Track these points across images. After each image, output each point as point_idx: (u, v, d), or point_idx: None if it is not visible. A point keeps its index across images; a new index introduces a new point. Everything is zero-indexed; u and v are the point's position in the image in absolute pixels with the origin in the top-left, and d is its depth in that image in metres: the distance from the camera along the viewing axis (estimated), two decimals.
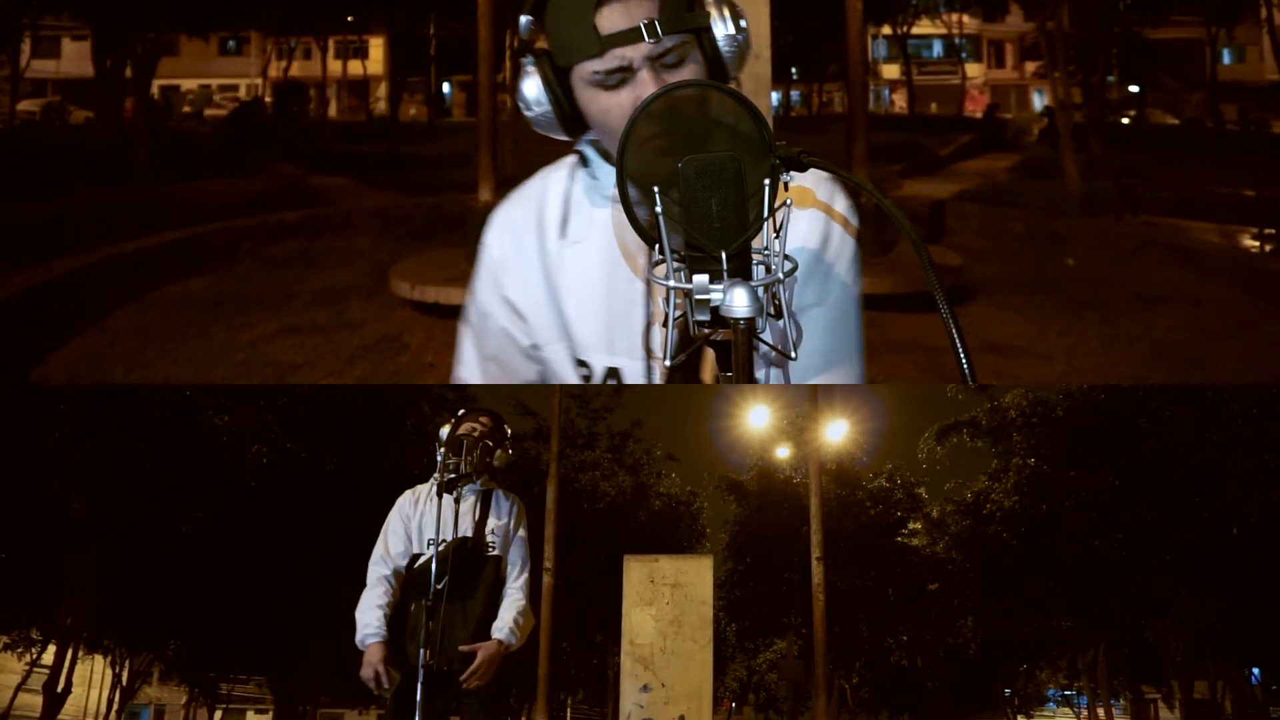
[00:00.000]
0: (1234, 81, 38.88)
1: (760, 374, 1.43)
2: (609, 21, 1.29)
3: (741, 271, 1.10)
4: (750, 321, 1.07)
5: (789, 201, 1.14)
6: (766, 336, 1.13)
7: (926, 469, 13.32)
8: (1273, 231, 12.80)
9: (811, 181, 1.46)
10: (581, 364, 1.50)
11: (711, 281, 1.09)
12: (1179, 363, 8.02)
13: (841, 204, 1.49)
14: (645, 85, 1.31)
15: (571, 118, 1.40)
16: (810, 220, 1.46)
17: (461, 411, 2.83)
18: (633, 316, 1.45)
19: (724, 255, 1.09)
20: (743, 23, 1.37)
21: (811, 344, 1.46)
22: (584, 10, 1.30)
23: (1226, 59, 42.06)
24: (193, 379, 7.78)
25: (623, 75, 1.32)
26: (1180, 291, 10.15)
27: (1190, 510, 9.70)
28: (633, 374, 1.46)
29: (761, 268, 1.13)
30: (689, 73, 1.34)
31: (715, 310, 1.09)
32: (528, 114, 1.41)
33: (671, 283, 1.11)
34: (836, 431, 12.50)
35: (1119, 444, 10.27)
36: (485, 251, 1.59)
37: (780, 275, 1.12)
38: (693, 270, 1.11)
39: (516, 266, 1.54)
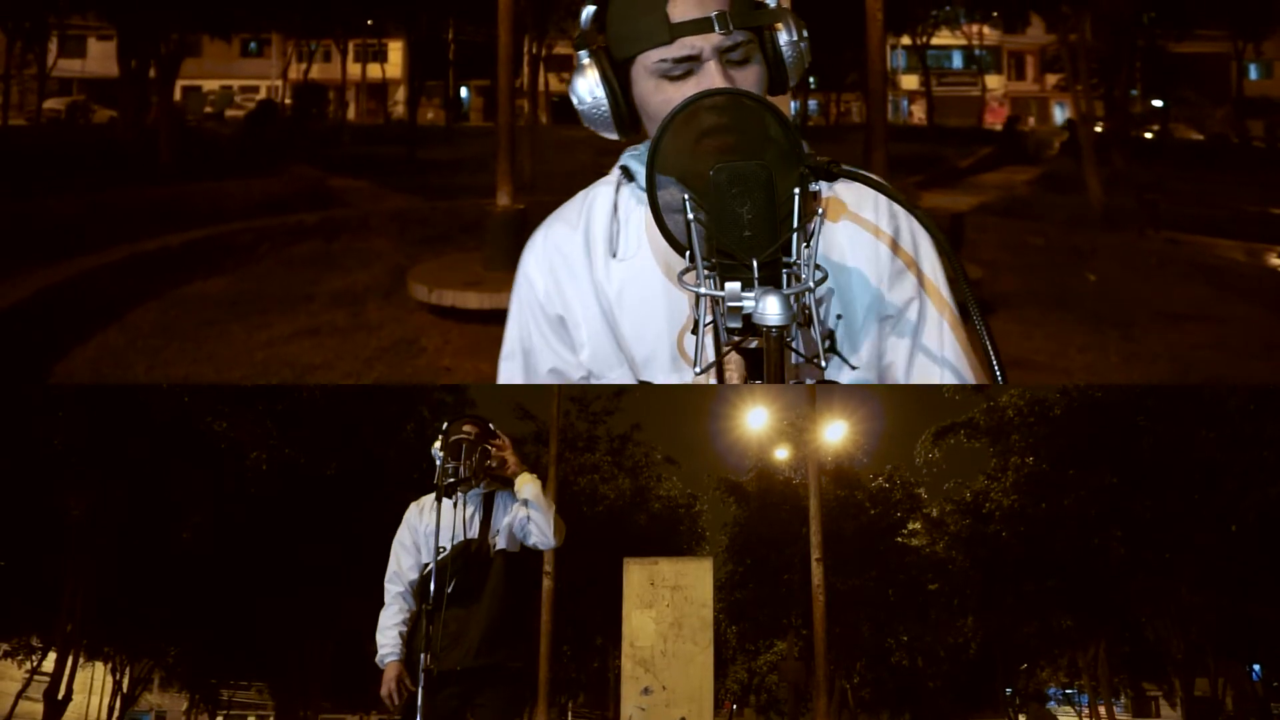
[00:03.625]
0: (1260, 97, 38.60)
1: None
2: (680, 10, 1.30)
3: (772, 280, 1.10)
4: (782, 329, 1.06)
5: (821, 211, 1.14)
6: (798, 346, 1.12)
7: (925, 470, 13.33)
8: None
9: (852, 195, 1.44)
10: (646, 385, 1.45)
11: (743, 289, 1.09)
12: (1202, 382, 7.95)
13: (894, 210, 1.46)
14: (711, 77, 1.31)
15: (626, 114, 1.38)
16: (849, 230, 1.43)
17: (446, 424, 2.81)
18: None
19: (755, 263, 1.09)
20: (805, 31, 1.40)
21: (902, 353, 1.44)
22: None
23: (1253, 74, 41.80)
24: (213, 378, 7.81)
25: (689, 66, 1.32)
26: (1204, 309, 10.06)
27: (1189, 508, 9.68)
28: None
29: (794, 277, 1.13)
30: (753, 72, 1.35)
31: (747, 318, 1.09)
32: (581, 109, 1.38)
33: (703, 289, 1.11)
34: (835, 432, 12.51)
35: (1117, 442, 10.25)
36: (526, 285, 1.50)
37: (811, 284, 1.11)
38: (723, 278, 1.11)
39: (567, 294, 1.47)
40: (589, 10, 1.37)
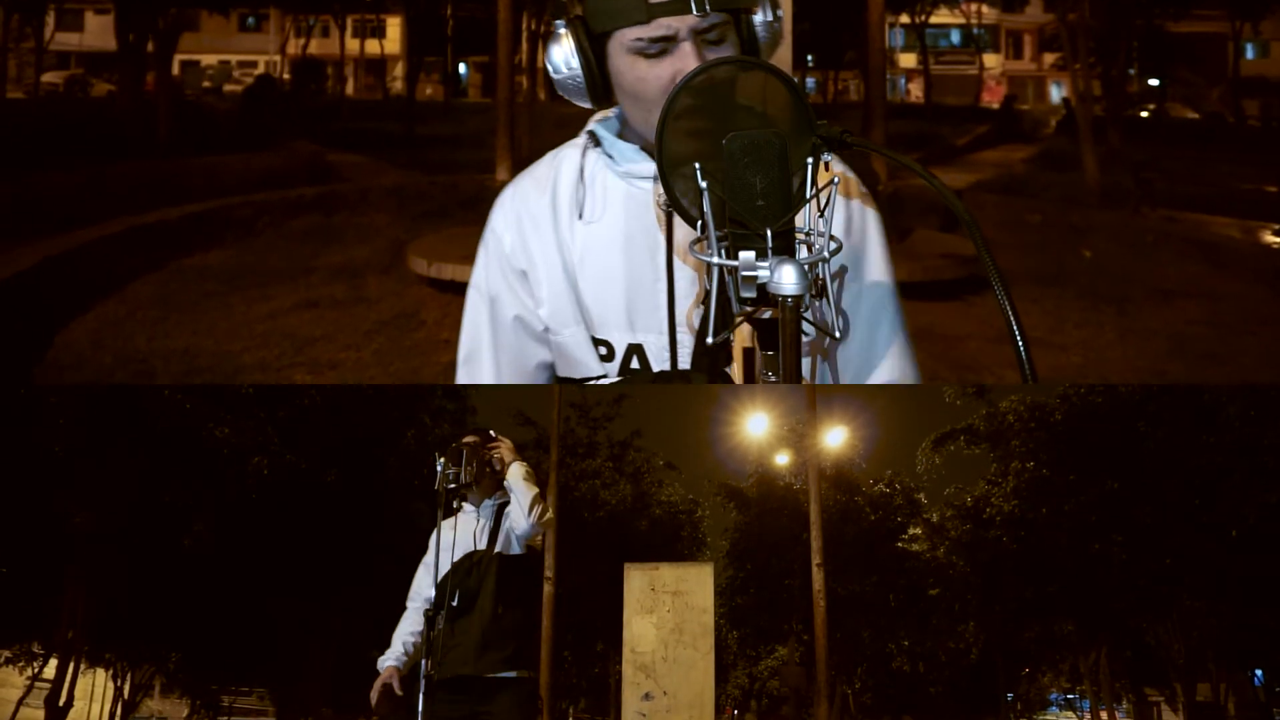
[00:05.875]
0: (1256, 76, 38.52)
1: (805, 364, 1.44)
2: None
3: (785, 250, 1.09)
4: (798, 299, 1.05)
5: (836, 180, 1.13)
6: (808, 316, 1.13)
7: (925, 475, 13.28)
8: None
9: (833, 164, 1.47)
10: (600, 343, 1.49)
11: (756, 259, 1.08)
12: (1197, 357, 8.00)
13: (853, 178, 1.51)
14: (687, 57, 1.31)
15: (600, 85, 1.39)
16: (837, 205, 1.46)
17: (454, 445, 2.82)
18: (656, 291, 1.44)
19: (769, 233, 1.08)
20: (779, 11, 1.40)
21: (861, 321, 1.50)
22: None
23: (1250, 54, 41.66)
24: (212, 349, 7.83)
25: (665, 45, 1.32)
26: (1199, 286, 10.11)
27: (1189, 513, 9.66)
28: (657, 349, 1.46)
29: (803, 247, 1.12)
30: (727, 52, 1.35)
31: (761, 288, 1.07)
32: (556, 77, 1.40)
33: (717, 260, 1.09)
34: (835, 438, 12.46)
35: (1117, 447, 10.22)
36: (494, 239, 1.57)
37: (825, 254, 1.10)
38: (735, 248, 1.09)
39: (532, 251, 1.53)
40: None
